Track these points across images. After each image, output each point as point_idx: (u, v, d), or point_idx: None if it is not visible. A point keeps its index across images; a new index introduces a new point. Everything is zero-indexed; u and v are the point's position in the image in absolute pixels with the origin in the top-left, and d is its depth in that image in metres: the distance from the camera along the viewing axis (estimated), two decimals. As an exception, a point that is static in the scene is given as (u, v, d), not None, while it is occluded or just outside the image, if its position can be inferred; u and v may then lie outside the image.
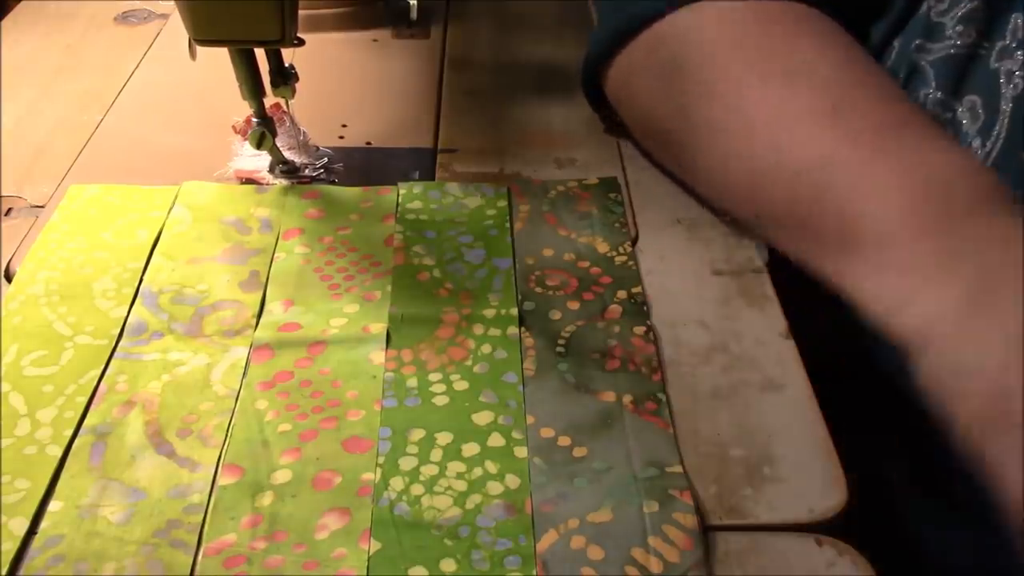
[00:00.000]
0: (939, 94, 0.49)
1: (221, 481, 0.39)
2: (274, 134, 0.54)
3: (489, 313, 0.47)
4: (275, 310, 0.47)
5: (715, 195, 0.51)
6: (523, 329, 0.46)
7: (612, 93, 0.57)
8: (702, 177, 0.51)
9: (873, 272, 0.40)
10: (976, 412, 0.34)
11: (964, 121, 0.47)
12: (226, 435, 0.41)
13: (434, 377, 0.44)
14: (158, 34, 0.72)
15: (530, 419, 0.42)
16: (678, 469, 0.40)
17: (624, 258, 0.51)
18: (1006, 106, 0.46)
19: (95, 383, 0.43)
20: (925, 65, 0.50)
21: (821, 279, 0.43)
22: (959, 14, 0.48)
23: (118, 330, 0.46)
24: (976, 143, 0.47)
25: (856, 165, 0.41)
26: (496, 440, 0.41)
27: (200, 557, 0.36)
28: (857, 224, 0.40)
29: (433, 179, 0.57)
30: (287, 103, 0.55)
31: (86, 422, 0.41)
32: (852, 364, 0.58)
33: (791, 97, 0.44)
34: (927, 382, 0.36)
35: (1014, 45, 0.46)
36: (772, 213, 0.45)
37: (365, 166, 0.58)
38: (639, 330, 0.46)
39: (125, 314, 0.46)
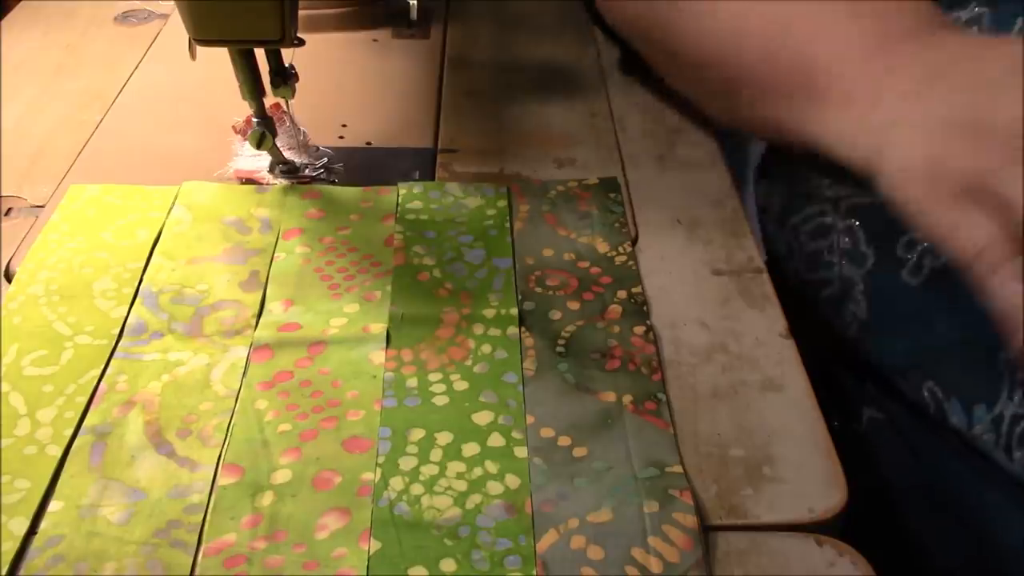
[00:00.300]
0: None
1: (221, 481, 0.39)
2: (274, 134, 0.54)
3: (489, 313, 0.47)
4: (275, 310, 0.47)
5: (695, 72, 0.55)
6: (523, 329, 0.46)
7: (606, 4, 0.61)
8: (682, 59, 0.55)
9: (833, 109, 0.45)
10: (920, 197, 0.40)
11: None
12: (226, 435, 0.41)
13: (434, 377, 0.44)
14: (158, 34, 0.72)
15: (530, 419, 0.42)
16: (678, 469, 0.40)
17: (624, 258, 0.51)
18: None
19: (95, 383, 0.43)
20: None
21: (795, 143, 0.48)
22: (963, 18, 0.49)
23: (118, 330, 0.46)
24: None
25: (811, 16, 0.47)
26: (496, 440, 0.41)
27: (200, 557, 0.36)
28: (814, 67, 0.46)
29: (433, 179, 0.57)
30: (287, 103, 0.55)
31: (86, 422, 0.41)
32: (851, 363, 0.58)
33: None
34: (888, 193, 0.42)
35: None
36: (743, 75, 0.50)
37: (365, 166, 0.58)
38: (639, 330, 0.46)
39: (125, 314, 0.46)
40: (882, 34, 0.45)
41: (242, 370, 0.44)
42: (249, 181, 0.56)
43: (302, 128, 0.57)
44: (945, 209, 0.38)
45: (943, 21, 0.45)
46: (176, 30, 0.71)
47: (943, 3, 0.50)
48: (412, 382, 0.43)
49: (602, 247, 0.51)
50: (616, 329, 0.46)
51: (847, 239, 0.54)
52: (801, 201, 0.58)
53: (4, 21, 0.73)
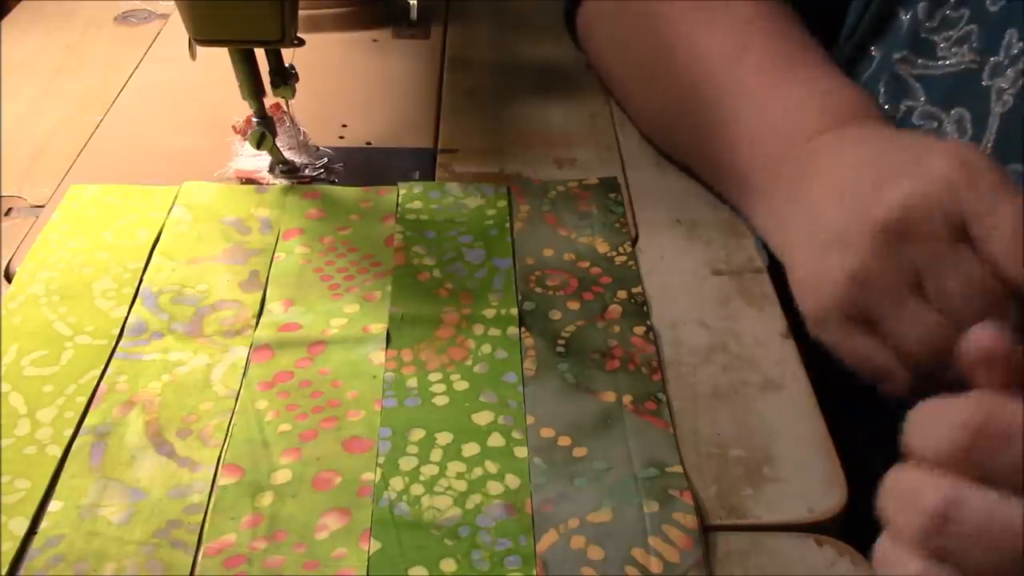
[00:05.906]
0: (928, 107, 0.49)
1: (221, 481, 0.39)
2: (274, 134, 0.54)
3: (489, 313, 0.47)
4: (275, 310, 0.47)
5: (651, 135, 0.60)
6: (523, 329, 0.46)
7: (580, 34, 0.66)
8: (639, 118, 0.61)
9: (754, 205, 0.50)
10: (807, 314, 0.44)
11: (949, 132, 0.48)
12: (226, 435, 0.41)
13: (434, 377, 0.44)
14: (158, 34, 0.72)
15: (530, 419, 0.42)
16: (678, 469, 0.40)
17: (624, 258, 0.51)
18: (994, 122, 0.46)
19: (95, 383, 0.43)
20: (910, 79, 0.50)
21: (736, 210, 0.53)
22: (954, 36, 0.48)
23: (118, 330, 0.46)
24: None
25: (739, 110, 0.50)
26: (496, 440, 0.41)
27: (200, 557, 0.36)
28: (738, 167, 0.50)
29: (433, 179, 0.57)
30: (287, 103, 0.55)
31: (86, 422, 0.41)
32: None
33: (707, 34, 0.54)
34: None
35: (1006, 63, 0.46)
36: (686, 147, 0.56)
37: (365, 166, 0.58)
38: (639, 330, 0.46)
39: (125, 314, 0.46)
40: (780, 145, 0.47)
41: (242, 370, 0.44)
42: (249, 181, 0.56)
43: (302, 128, 0.57)
44: (831, 332, 0.42)
45: (838, 120, 0.46)
46: (176, 30, 0.71)
47: (933, 20, 0.50)
48: (412, 382, 0.43)
49: (602, 247, 0.51)
50: (616, 329, 0.46)
51: None
52: None
53: (4, 21, 0.73)
